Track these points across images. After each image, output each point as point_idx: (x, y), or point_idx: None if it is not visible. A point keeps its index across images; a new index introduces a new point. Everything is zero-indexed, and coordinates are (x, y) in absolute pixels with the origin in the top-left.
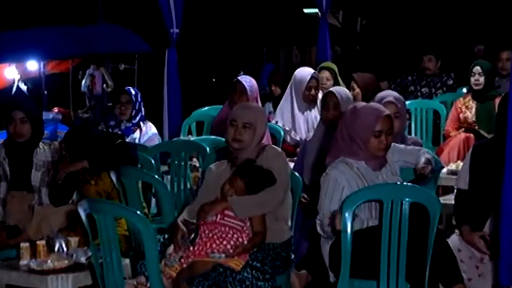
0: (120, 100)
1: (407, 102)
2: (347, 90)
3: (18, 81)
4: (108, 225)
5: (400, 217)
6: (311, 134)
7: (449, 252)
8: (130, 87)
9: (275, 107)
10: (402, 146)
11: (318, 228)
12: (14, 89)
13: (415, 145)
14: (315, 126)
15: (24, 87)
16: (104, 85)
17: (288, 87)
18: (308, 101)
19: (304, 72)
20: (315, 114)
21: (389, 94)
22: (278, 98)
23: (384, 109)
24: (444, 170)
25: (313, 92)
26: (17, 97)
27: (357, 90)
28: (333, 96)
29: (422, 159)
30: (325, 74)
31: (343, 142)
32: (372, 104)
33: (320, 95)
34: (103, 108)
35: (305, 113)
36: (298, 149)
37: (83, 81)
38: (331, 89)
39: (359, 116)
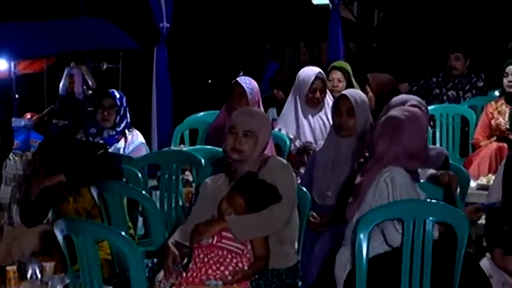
0: (103, 104)
1: (431, 107)
2: (362, 93)
3: None
4: (89, 249)
5: (423, 238)
6: (320, 143)
7: (484, 279)
8: (114, 90)
9: (280, 112)
10: None
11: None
12: None
13: (440, 156)
14: (323, 133)
15: None
16: (84, 86)
17: (292, 89)
18: (312, 105)
19: (308, 71)
20: (322, 119)
21: (411, 98)
22: (282, 102)
23: None
24: (473, 185)
25: (317, 94)
26: None
27: (370, 93)
28: (346, 100)
29: (434, 171)
30: (337, 74)
31: (403, 155)
32: (416, 109)
33: (329, 98)
34: (79, 113)
35: (310, 119)
36: (305, 157)
37: (61, 83)
38: (344, 92)
39: (423, 124)
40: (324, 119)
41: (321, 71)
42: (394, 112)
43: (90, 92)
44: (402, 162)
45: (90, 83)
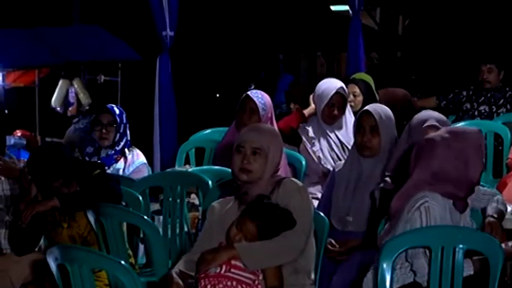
0: (101, 121)
1: (461, 124)
2: (387, 108)
3: None
4: (85, 279)
5: (453, 269)
6: (339, 162)
7: None
8: (113, 105)
9: None
10: None
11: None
12: None
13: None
14: (341, 153)
15: None
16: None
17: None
18: (327, 121)
19: (330, 84)
20: (339, 138)
21: (431, 116)
22: None
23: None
24: (508, 209)
25: (335, 111)
26: None
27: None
28: (370, 117)
29: (491, 209)
30: (353, 88)
31: (449, 175)
32: (459, 127)
33: (348, 115)
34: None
35: (328, 136)
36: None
37: (53, 98)
38: (367, 107)
39: (472, 144)
40: (340, 138)
41: (343, 87)
42: (433, 134)
43: (86, 108)
44: (438, 188)
45: (84, 101)
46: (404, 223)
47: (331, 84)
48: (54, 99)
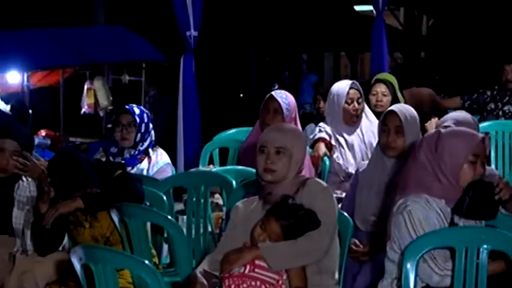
0: (120, 122)
1: (486, 124)
2: (412, 109)
3: None
4: (109, 278)
5: (477, 270)
6: (363, 162)
7: None
8: (133, 105)
9: None
10: None
11: None
12: None
13: (489, 178)
14: (362, 151)
15: (3, 106)
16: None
17: (326, 112)
18: (350, 121)
19: (342, 83)
20: (359, 136)
21: (462, 117)
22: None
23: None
24: None
25: (355, 105)
26: (6, 122)
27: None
28: (395, 117)
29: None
30: (381, 88)
31: (426, 176)
32: (459, 128)
33: (364, 114)
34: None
35: (348, 138)
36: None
37: (100, 98)
38: (392, 107)
39: (448, 142)
40: (360, 136)
41: (356, 82)
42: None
43: (110, 108)
44: (423, 189)
45: (103, 102)
46: (393, 226)
47: (342, 83)
48: (102, 99)
